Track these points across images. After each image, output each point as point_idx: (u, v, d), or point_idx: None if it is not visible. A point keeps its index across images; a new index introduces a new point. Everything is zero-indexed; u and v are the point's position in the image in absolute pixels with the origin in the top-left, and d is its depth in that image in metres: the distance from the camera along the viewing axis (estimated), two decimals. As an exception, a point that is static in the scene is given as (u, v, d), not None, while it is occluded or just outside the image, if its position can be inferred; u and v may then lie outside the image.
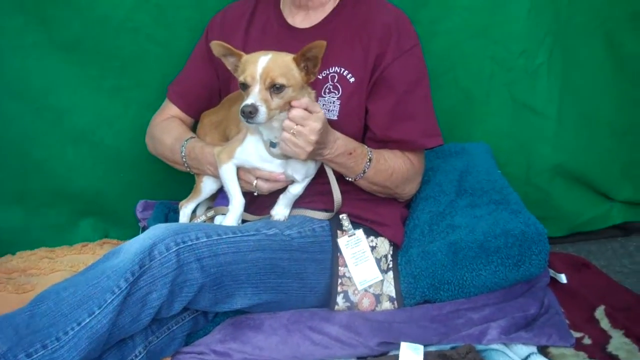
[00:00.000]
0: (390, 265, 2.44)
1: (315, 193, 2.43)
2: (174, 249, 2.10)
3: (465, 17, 2.96)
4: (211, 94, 2.70)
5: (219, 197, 2.61)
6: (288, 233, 2.31)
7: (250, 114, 2.09)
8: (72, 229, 3.05)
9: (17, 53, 2.81)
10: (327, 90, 2.44)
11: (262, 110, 2.11)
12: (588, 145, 3.13)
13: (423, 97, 2.47)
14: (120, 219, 3.09)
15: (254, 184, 2.35)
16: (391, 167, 2.41)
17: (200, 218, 2.57)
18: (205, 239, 2.16)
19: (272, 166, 2.32)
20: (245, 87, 2.16)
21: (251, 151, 2.32)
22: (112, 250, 2.15)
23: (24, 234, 2.99)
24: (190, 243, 2.13)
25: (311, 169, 2.38)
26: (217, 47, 2.25)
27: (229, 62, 2.27)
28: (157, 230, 2.14)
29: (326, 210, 2.42)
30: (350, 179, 2.39)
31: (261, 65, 2.14)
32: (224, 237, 2.20)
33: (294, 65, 2.18)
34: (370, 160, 2.36)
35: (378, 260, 2.41)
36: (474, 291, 2.40)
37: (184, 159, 2.53)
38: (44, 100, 2.87)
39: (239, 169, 2.36)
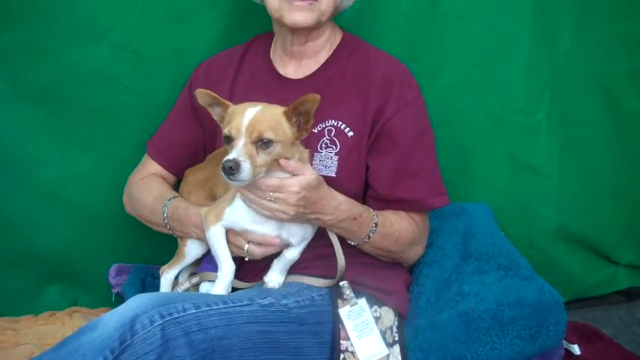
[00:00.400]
0: (396, 338, 2.22)
1: (313, 257, 2.22)
2: (159, 322, 1.86)
3: (460, 71, 2.84)
4: (195, 150, 2.50)
5: (204, 262, 2.38)
6: (285, 302, 2.08)
7: (231, 169, 1.88)
8: (37, 296, 2.78)
9: (-22, 104, 2.59)
10: (323, 145, 2.26)
11: (246, 166, 1.89)
12: (590, 206, 3.01)
13: (428, 153, 2.32)
14: (91, 285, 2.82)
15: (246, 248, 2.13)
16: (397, 231, 2.23)
17: (184, 285, 2.33)
18: (193, 310, 1.92)
19: (266, 228, 2.11)
20: (229, 140, 1.96)
21: (242, 212, 2.10)
22: (88, 324, 1.90)
23: (-18, 301, 2.71)
24: (176, 315, 1.89)
25: (309, 231, 2.17)
26: (202, 95, 2.05)
27: (215, 113, 2.07)
28: (140, 301, 1.90)
29: (325, 277, 2.21)
30: (352, 243, 2.20)
31: (248, 118, 1.94)
32: (215, 307, 1.96)
33: (284, 120, 1.98)
34: (376, 224, 2.18)
35: (383, 333, 2.19)
36: (489, 366, 2.20)
37: (165, 221, 2.31)
38: (9, 154, 2.63)
39: (228, 232, 2.14)
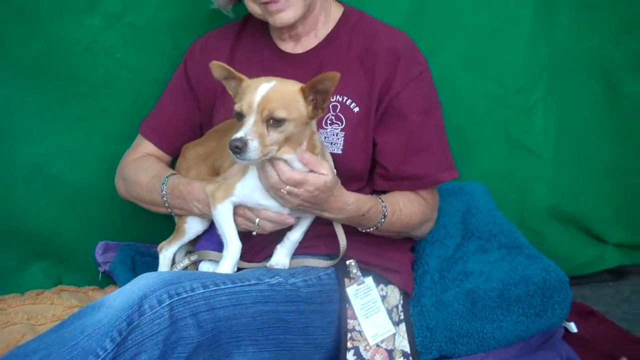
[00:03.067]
0: (402, 317, 2.19)
1: (317, 235, 2.16)
2: (167, 303, 1.80)
3: (459, 50, 2.80)
4: (191, 129, 2.42)
5: (202, 239, 2.30)
6: (293, 282, 2.03)
7: (237, 148, 1.81)
8: (20, 274, 2.69)
9: (-36, 75, 2.48)
10: (328, 122, 2.20)
11: (253, 145, 1.82)
12: (583, 186, 3.00)
13: (436, 127, 2.28)
14: (77, 263, 2.74)
15: (256, 222, 2.06)
16: (407, 215, 2.20)
17: (182, 263, 2.26)
18: (202, 290, 1.86)
19: (278, 204, 2.03)
20: (240, 116, 1.88)
21: (254, 186, 2.02)
22: (91, 304, 1.82)
23: (-37, 280, 2.61)
24: (185, 295, 1.83)
25: None
26: (217, 68, 1.97)
27: (230, 87, 1.99)
28: (147, 280, 1.83)
29: (330, 256, 2.16)
30: (362, 230, 2.17)
31: (260, 94, 1.86)
32: (223, 287, 1.90)
33: (300, 97, 1.90)
34: (384, 216, 2.14)
35: (389, 311, 2.16)
36: (494, 344, 2.19)
37: (164, 198, 2.23)
38: (-5, 127, 2.53)
39: (237, 207, 2.06)
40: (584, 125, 2.95)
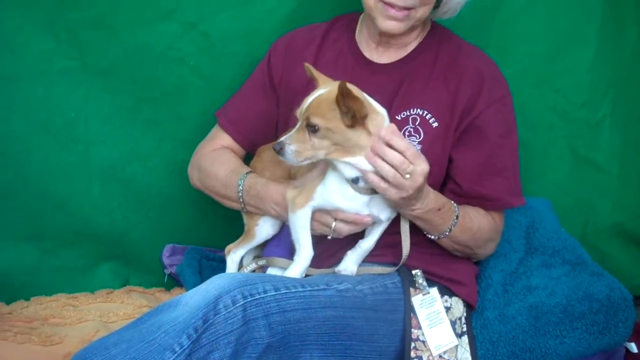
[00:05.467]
0: (465, 329, 2.26)
1: (384, 245, 2.24)
2: (241, 303, 1.89)
3: (526, 63, 2.85)
4: (269, 125, 2.50)
5: (270, 245, 2.39)
6: (360, 289, 2.12)
7: (275, 150, 1.99)
8: (90, 274, 2.82)
9: (43, 79, 2.62)
10: (406, 133, 2.26)
11: (290, 149, 1.98)
12: (647, 204, 3.03)
13: (512, 152, 2.34)
14: (144, 265, 2.87)
15: (333, 226, 2.14)
16: (476, 226, 2.25)
17: (249, 267, 2.35)
18: (273, 292, 1.96)
19: (356, 205, 2.10)
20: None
21: (334, 189, 2.10)
22: (167, 302, 1.93)
23: (36, 277, 2.74)
24: (257, 297, 1.93)
25: (393, 209, 2.16)
26: (307, 70, 2.11)
27: None
28: (222, 280, 1.93)
29: (395, 265, 2.24)
30: (433, 237, 2.22)
31: (308, 101, 2.00)
32: (293, 290, 2.00)
33: (336, 106, 1.97)
34: (457, 217, 2.20)
35: (453, 323, 2.23)
36: (556, 360, 2.25)
37: (240, 194, 2.31)
38: (70, 131, 2.67)
39: (314, 212, 2.15)
40: (650, 141, 2.98)
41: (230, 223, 2.54)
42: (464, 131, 2.27)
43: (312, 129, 1.98)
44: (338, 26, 2.46)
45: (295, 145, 1.97)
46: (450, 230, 2.20)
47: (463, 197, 2.27)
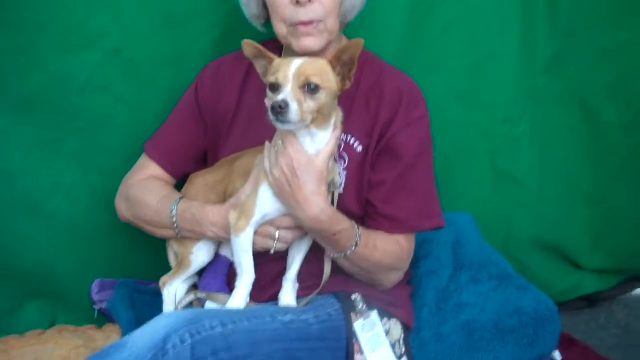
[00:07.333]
0: (404, 350, 2.39)
1: (318, 274, 2.31)
2: (189, 342, 1.96)
3: (448, 82, 3.02)
4: (198, 153, 2.56)
5: (206, 276, 2.42)
6: (305, 318, 2.21)
7: (281, 108, 1.99)
8: (16, 314, 2.79)
9: (-40, 112, 2.60)
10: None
11: (294, 107, 2.01)
12: (565, 214, 3.26)
13: (425, 173, 2.41)
14: (72, 301, 2.85)
15: (277, 236, 2.21)
16: (380, 254, 2.29)
17: (187, 299, 2.39)
18: (220, 329, 2.03)
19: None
20: (275, 87, 2.07)
21: (270, 196, 2.18)
22: (113, 344, 1.99)
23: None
24: (205, 334, 1.99)
25: None
26: (248, 47, 2.15)
27: (259, 65, 2.18)
28: (169, 320, 2.00)
29: (334, 294, 2.33)
30: (332, 256, 2.27)
31: (295, 65, 2.07)
32: (240, 325, 2.07)
33: (329, 69, 2.10)
34: (356, 244, 2.24)
35: (392, 345, 2.34)
36: (490, 375, 2.42)
37: (174, 219, 2.35)
38: (-7, 163, 2.66)
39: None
40: (566, 155, 3.21)
41: (160, 253, 2.55)
42: (380, 152, 2.35)
43: (310, 89, 2.05)
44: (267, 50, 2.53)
45: (296, 104, 2.04)
46: (346, 255, 2.24)
47: (377, 219, 2.34)
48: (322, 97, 2.07)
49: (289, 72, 2.05)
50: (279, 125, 2.06)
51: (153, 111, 2.71)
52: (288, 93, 2.03)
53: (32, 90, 2.63)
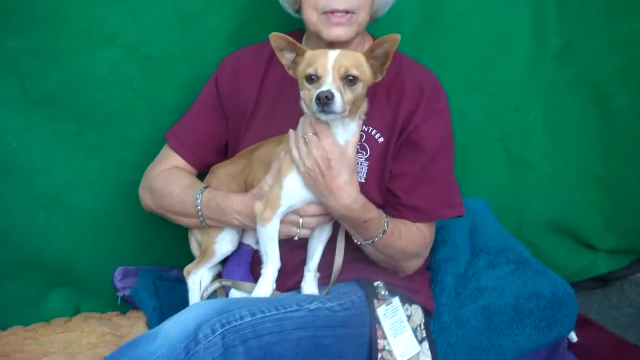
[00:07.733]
0: (425, 335, 2.46)
1: (331, 266, 2.37)
2: (220, 332, 2.03)
3: (461, 70, 3.06)
4: (219, 145, 2.61)
5: (230, 264, 2.48)
6: (330, 306, 2.27)
7: (327, 99, 2.02)
8: (41, 303, 2.87)
9: (-16, 109, 2.65)
10: None
11: (339, 97, 2.05)
12: (578, 198, 3.33)
13: (447, 164, 2.48)
14: (96, 289, 2.95)
15: (301, 222, 2.27)
16: (405, 242, 2.36)
17: (211, 288, 2.43)
18: (250, 319, 2.10)
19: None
20: (313, 79, 2.11)
21: (296, 187, 2.23)
22: (146, 334, 2.05)
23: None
24: (235, 324, 2.06)
25: None
26: (278, 39, 2.17)
27: (285, 58, 2.21)
28: (200, 310, 2.07)
29: (357, 281, 2.39)
30: (357, 242, 2.34)
31: (333, 57, 2.11)
32: (268, 314, 2.14)
33: (364, 61, 2.15)
34: (384, 232, 2.31)
35: (414, 330, 2.41)
36: (510, 357, 2.49)
37: (198, 208, 2.40)
38: (14, 160, 2.72)
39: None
40: (579, 139, 3.27)
41: (180, 241, 2.62)
42: (403, 144, 2.41)
43: (349, 81, 2.10)
44: None
45: (340, 95, 2.06)
46: (374, 242, 2.31)
47: (400, 209, 2.41)
48: (360, 88, 2.12)
49: (327, 63, 2.09)
50: (322, 116, 2.11)
51: (171, 105, 2.77)
52: (332, 84, 2.07)
53: (52, 87, 2.69)
